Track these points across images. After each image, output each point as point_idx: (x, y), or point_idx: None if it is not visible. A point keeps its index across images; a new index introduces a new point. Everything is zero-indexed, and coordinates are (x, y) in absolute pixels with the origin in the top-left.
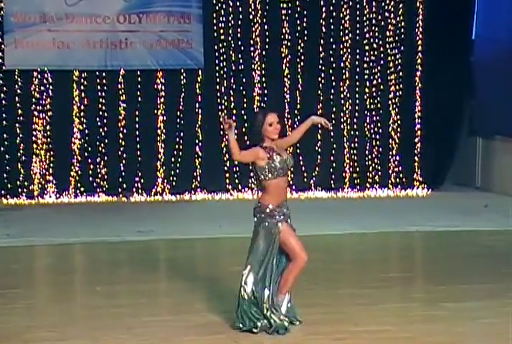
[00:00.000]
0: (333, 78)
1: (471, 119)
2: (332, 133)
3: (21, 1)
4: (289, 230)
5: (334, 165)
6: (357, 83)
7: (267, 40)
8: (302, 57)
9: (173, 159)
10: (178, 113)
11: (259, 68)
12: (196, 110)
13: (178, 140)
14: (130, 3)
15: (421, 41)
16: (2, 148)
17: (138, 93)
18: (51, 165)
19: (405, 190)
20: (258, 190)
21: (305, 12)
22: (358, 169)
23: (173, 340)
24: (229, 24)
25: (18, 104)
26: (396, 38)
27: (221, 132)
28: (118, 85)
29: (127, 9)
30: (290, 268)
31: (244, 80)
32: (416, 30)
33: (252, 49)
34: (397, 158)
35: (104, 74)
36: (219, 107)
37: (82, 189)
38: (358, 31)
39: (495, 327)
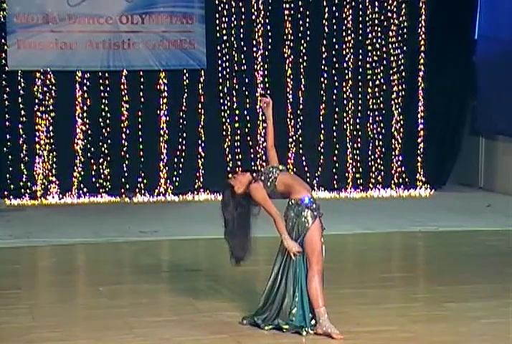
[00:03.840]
0: (335, 78)
1: (474, 119)
2: (335, 133)
3: (23, 1)
4: (318, 231)
5: (337, 165)
6: (360, 83)
7: (270, 40)
8: (305, 58)
9: (175, 159)
10: (181, 114)
11: (261, 68)
12: (199, 111)
13: (180, 140)
14: (132, 4)
15: (423, 41)
16: (5, 149)
17: (141, 94)
18: (54, 165)
19: (408, 191)
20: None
21: (307, 12)
22: (361, 169)
23: (175, 340)
24: (232, 25)
25: (21, 105)
26: (399, 38)
27: (224, 133)
28: (121, 86)
29: (129, 10)
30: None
31: (246, 80)
32: (419, 30)
33: (254, 49)
34: (400, 158)
35: (106, 74)
36: (222, 108)
37: (85, 190)
38: (360, 32)
39: (497, 327)
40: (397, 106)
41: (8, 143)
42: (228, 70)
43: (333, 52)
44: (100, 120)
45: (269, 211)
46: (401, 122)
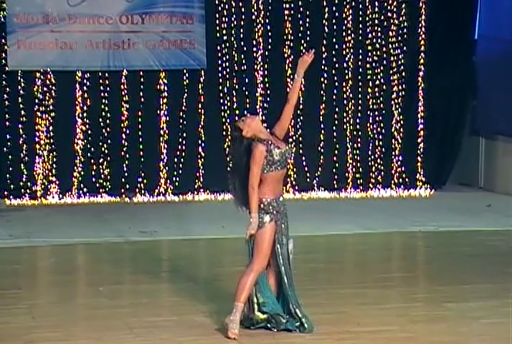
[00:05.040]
0: (335, 78)
1: (474, 119)
2: (335, 133)
3: (23, 1)
4: (270, 234)
5: (337, 165)
6: (360, 83)
7: (270, 40)
8: None
9: (175, 159)
10: (181, 114)
11: (261, 68)
12: (199, 111)
13: (180, 140)
14: (132, 4)
15: (423, 41)
16: (5, 149)
17: (141, 94)
18: (54, 165)
19: (408, 191)
20: None
21: (307, 12)
22: (361, 169)
23: (175, 340)
24: (232, 25)
25: (21, 105)
26: (399, 38)
27: (224, 133)
28: (121, 86)
29: (129, 10)
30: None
31: (246, 80)
32: (419, 30)
33: (254, 49)
34: (400, 158)
35: (107, 74)
36: (222, 108)
37: (85, 190)
38: (360, 32)
39: (497, 327)
40: (397, 106)
41: (8, 143)
42: (228, 70)
43: (333, 52)
44: (100, 120)
45: (252, 180)
46: (401, 122)
